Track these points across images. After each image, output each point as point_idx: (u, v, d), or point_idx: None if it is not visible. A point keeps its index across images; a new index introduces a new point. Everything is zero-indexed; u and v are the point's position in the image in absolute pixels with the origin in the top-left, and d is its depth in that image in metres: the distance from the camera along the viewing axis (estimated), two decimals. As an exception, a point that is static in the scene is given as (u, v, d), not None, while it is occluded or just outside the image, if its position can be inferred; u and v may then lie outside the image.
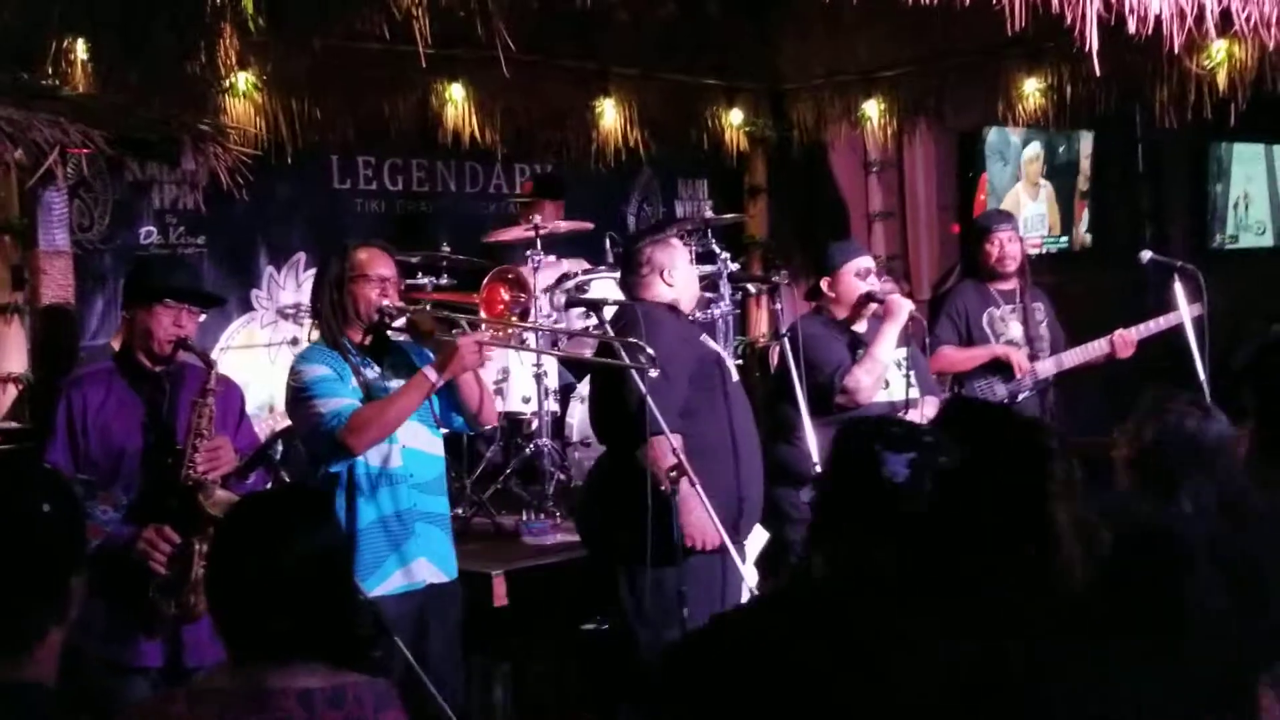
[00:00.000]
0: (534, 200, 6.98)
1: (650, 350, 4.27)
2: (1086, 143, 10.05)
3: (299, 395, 4.16)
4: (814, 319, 5.41)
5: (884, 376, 5.18)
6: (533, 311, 6.03)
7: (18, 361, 5.53)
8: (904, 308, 5.20)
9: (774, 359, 6.60)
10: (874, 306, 5.30)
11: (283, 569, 2.38)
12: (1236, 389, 3.63)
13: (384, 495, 4.17)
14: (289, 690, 2.30)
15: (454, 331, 4.26)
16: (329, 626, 2.41)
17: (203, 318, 4.32)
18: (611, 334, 4.58)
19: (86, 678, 3.80)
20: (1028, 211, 9.41)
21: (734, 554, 4.29)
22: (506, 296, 4.91)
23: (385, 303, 4.24)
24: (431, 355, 4.24)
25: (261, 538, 2.44)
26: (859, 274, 5.37)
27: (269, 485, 4.18)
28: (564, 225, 6.72)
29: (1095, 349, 6.24)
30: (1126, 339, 6.20)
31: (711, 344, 4.87)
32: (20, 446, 4.83)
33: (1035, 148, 9.62)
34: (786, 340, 5.05)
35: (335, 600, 2.45)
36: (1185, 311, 5.96)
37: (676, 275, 4.79)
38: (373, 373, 4.24)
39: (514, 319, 4.85)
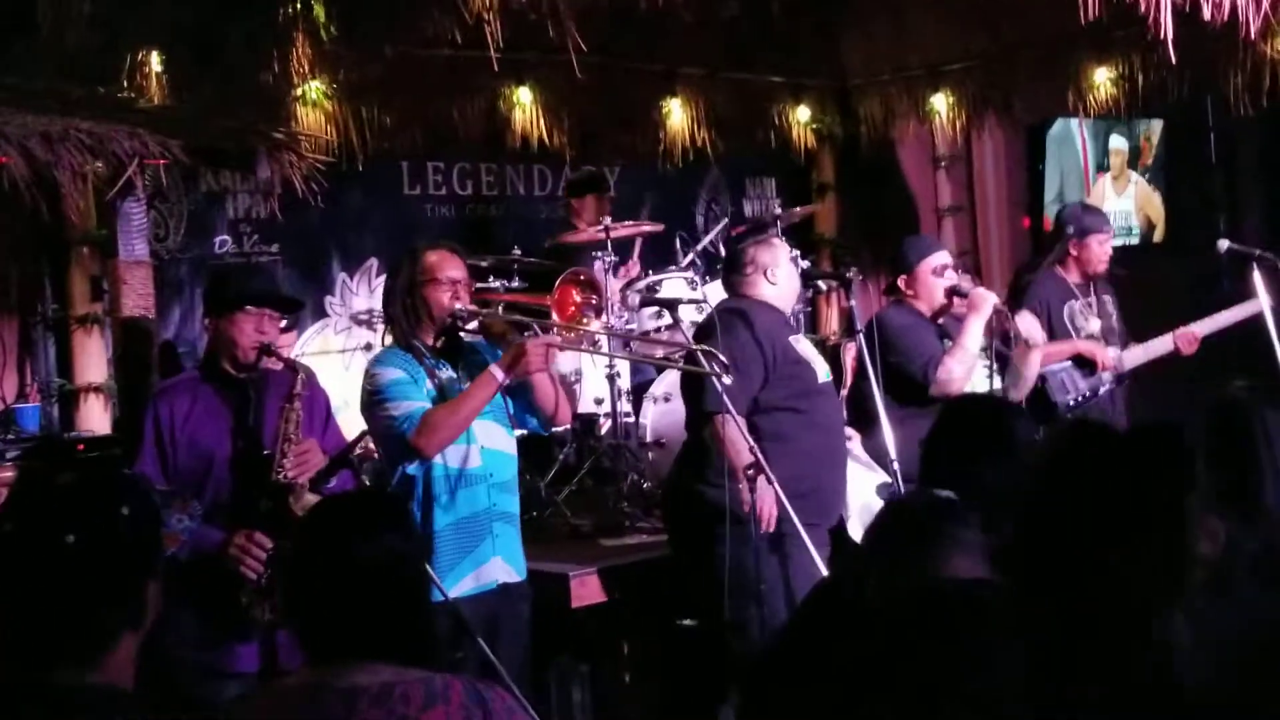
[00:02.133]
0: (576, 200, 7.00)
1: (723, 358, 4.35)
2: (1157, 132, 9.92)
3: (373, 399, 4.19)
4: (902, 309, 5.39)
5: (974, 367, 5.18)
6: (605, 313, 6.04)
7: (98, 371, 5.62)
8: (988, 300, 5.19)
9: (846, 356, 6.57)
10: (958, 301, 5.29)
11: (351, 571, 2.40)
12: None
13: (462, 496, 4.19)
14: (338, 689, 2.32)
15: (524, 334, 4.27)
16: (398, 628, 2.42)
17: (284, 322, 4.35)
18: (685, 336, 4.64)
19: (181, 684, 3.86)
20: (1110, 206, 9.22)
21: (805, 540, 4.29)
22: (579, 298, 4.93)
23: (458, 305, 4.25)
24: None
25: (332, 540, 2.47)
26: (936, 271, 5.34)
27: (353, 487, 4.18)
28: (631, 227, 6.73)
29: (1159, 347, 6.17)
30: (1190, 336, 6.12)
31: (801, 345, 4.93)
32: (106, 454, 4.89)
33: (1119, 140, 9.50)
34: (862, 336, 5.03)
35: (405, 603, 2.46)
36: (1263, 301, 5.87)
37: (779, 274, 4.93)
38: (448, 374, 4.26)
39: (586, 321, 4.85)
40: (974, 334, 5.17)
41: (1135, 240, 9.69)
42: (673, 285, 6.30)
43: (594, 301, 4.89)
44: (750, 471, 4.28)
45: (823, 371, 4.89)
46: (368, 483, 3.95)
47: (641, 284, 6.32)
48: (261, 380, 4.16)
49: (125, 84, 4.81)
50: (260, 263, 6.54)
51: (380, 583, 2.40)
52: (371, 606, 2.39)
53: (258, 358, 4.10)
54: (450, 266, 4.30)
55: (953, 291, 5.30)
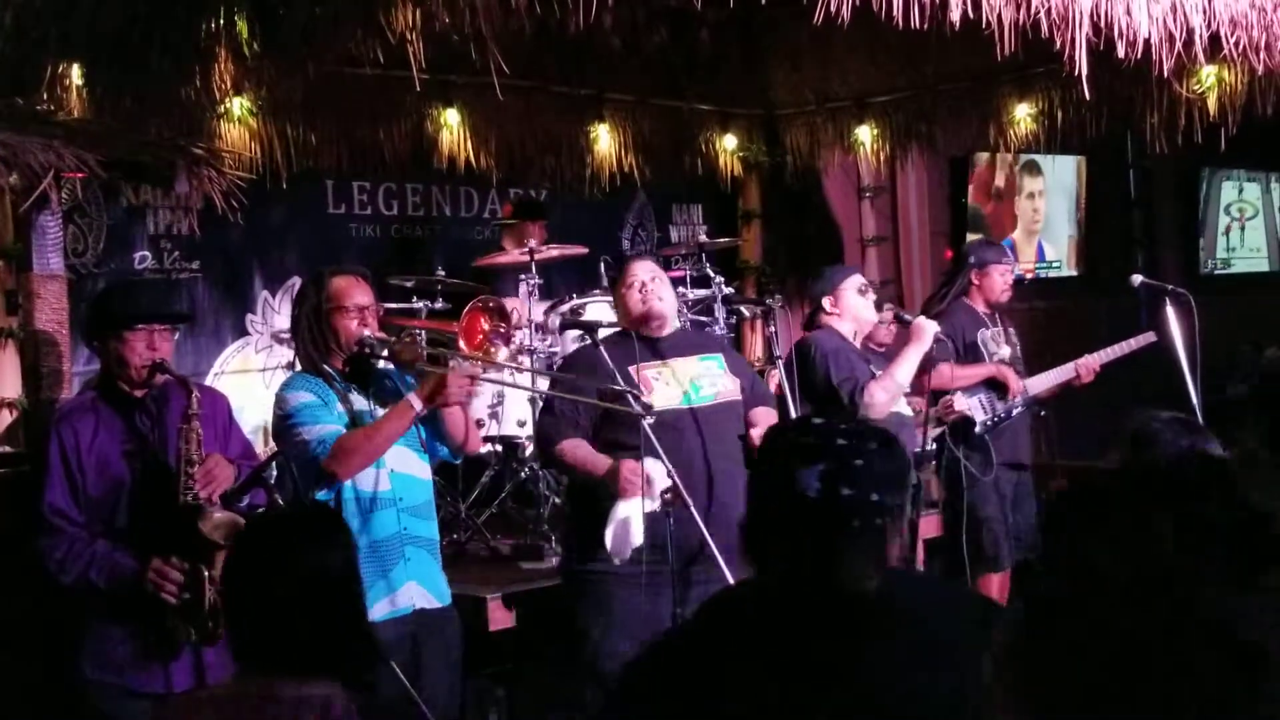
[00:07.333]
0: (516, 223, 7.00)
1: (645, 398, 4.37)
2: (1079, 168, 10.09)
3: (284, 423, 4.14)
4: (830, 334, 5.45)
5: (899, 396, 5.27)
6: (518, 338, 5.99)
7: (11, 386, 5.52)
8: (929, 330, 5.29)
9: (770, 382, 6.61)
10: (895, 330, 5.42)
11: (298, 586, 2.41)
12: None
13: (372, 520, 4.13)
14: (292, 698, 2.32)
15: (450, 365, 4.23)
16: (339, 642, 2.43)
17: (176, 335, 4.25)
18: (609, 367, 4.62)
19: (108, 708, 3.90)
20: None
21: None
22: (486, 325, 4.85)
23: (366, 333, 4.20)
24: (416, 382, 4.21)
25: (277, 555, 2.48)
26: (860, 290, 5.46)
27: (265, 506, 4.13)
28: (556, 250, 6.73)
29: (1063, 373, 6.49)
30: (1089, 365, 6.45)
31: (650, 370, 4.70)
32: (15, 471, 4.81)
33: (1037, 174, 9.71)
34: (783, 364, 5.05)
35: (347, 616, 2.47)
36: (1173, 332, 6.03)
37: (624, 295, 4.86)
38: (359, 400, 4.22)
39: (494, 350, 4.77)
40: (909, 364, 5.24)
41: (1045, 267, 9.91)
42: (596, 309, 6.30)
43: (502, 329, 4.81)
44: (667, 495, 4.25)
45: (667, 399, 4.61)
46: (280, 501, 3.89)
47: (565, 307, 6.32)
48: (162, 397, 4.08)
49: (44, 96, 4.75)
50: (143, 278, 6.40)
51: (326, 595, 2.43)
52: (316, 620, 2.41)
53: (151, 375, 4.01)
54: (357, 293, 4.25)
55: (896, 320, 5.44)
